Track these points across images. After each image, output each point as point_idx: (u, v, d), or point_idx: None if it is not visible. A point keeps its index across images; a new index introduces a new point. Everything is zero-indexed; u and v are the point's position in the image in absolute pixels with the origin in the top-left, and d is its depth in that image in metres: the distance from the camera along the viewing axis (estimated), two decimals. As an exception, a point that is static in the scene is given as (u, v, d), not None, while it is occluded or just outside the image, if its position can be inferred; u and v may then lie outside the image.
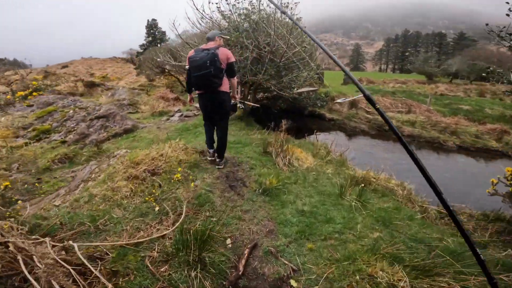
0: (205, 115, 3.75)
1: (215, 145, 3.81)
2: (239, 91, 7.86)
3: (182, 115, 8.96)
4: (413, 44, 75.25)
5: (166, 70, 15.87)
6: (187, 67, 3.36)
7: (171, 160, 3.62)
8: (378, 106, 1.62)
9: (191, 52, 3.33)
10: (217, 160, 3.76)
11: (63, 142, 5.60)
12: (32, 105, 7.18)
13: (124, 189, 3.17)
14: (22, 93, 7.71)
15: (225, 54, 3.26)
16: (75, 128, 6.22)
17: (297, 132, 12.56)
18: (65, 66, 44.54)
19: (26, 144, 5.34)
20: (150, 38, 33.88)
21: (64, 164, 4.97)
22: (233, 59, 3.34)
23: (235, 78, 3.56)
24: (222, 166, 3.72)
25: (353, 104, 11.88)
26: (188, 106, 9.93)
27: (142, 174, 3.24)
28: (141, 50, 35.48)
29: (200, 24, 6.55)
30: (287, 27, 5.73)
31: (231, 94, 3.66)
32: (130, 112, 10.48)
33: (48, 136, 5.83)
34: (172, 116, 9.01)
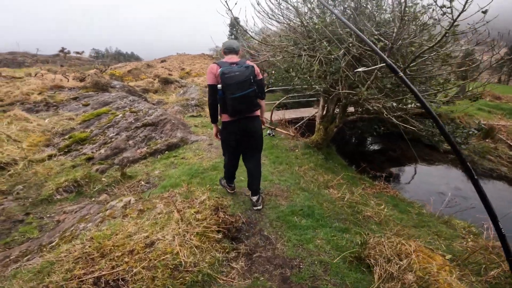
0: (234, 150, 2.87)
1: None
2: (321, 107, 5.61)
3: (244, 128, 7.25)
4: (559, 50, 57.52)
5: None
6: (219, 86, 2.44)
7: (160, 263, 1.78)
8: (401, 75, 1.26)
9: (216, 67, 2.48)
10: (254, 199, 3.07)
11: (89, 158, 4.52)
12: (88, 105, 6.60)
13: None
14: (83, 91, 7.33)
15: (257, 70, 2.63)
16: (113, 139, 5.15)
17: (391, 162, 9.44)
18: (163, 60, 49.86)
19: (50, 157, 4.45)
20: (233, 37, 34.16)
21: (70, 194, 3.77)
22: (261, 75, 2.71)
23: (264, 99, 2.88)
24: (261, 206, 3.08)
25: (488, 132, 8.09)
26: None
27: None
28: (225, 48, 36.06)
29: (271, 9, 4.57)
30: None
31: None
32: (192, 116, 9.45)
33: (80, 147, 4.88)
34: (233, 128, 7.39)
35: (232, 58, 2.58)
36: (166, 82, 13.18)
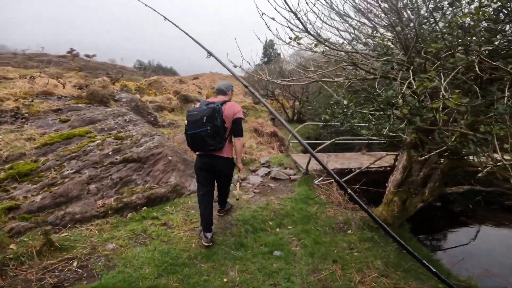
0: (200, 181, 2.84)
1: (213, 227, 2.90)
2: (401, 167, 3.45)
3: (268, 174, 5.21)
4: None
5: (270, 92, 12.95)
6: (185, 122, 2.64)
7: None
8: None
9: (197, 105, 2.73)
10: (218, 208, 3.34)
11: (11, 208, 2.74)
12: (67, 121, 5.03)
13: None
14: (73, 101, 5.86)
15: (232, 110, 2.68)
16: (66, 180, 3.38)
17: (468, 232, 6.81)
18: (195, 78, 50.43)
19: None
20: (266, 59, 33.22)
21: None
22: (241, 115, 2.72)
23: (241, 139, 2.78)
24: (223, 214, 3.32)
25: None
26: (283, 157, 6.15)
27: None
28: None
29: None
30: None
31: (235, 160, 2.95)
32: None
33: (14, 186, 3.14)
34: (253, 172, 5.40)
35: (215, 98, 2.77)
36: (185, 100, 11.74)
